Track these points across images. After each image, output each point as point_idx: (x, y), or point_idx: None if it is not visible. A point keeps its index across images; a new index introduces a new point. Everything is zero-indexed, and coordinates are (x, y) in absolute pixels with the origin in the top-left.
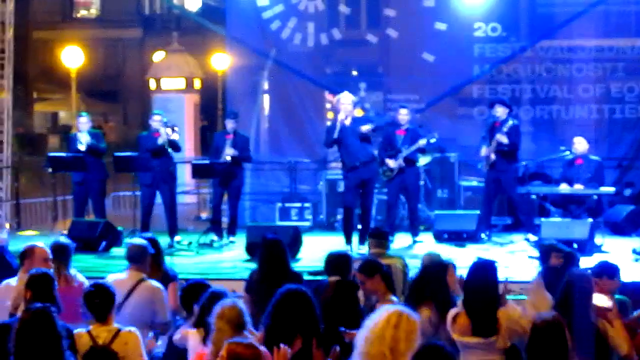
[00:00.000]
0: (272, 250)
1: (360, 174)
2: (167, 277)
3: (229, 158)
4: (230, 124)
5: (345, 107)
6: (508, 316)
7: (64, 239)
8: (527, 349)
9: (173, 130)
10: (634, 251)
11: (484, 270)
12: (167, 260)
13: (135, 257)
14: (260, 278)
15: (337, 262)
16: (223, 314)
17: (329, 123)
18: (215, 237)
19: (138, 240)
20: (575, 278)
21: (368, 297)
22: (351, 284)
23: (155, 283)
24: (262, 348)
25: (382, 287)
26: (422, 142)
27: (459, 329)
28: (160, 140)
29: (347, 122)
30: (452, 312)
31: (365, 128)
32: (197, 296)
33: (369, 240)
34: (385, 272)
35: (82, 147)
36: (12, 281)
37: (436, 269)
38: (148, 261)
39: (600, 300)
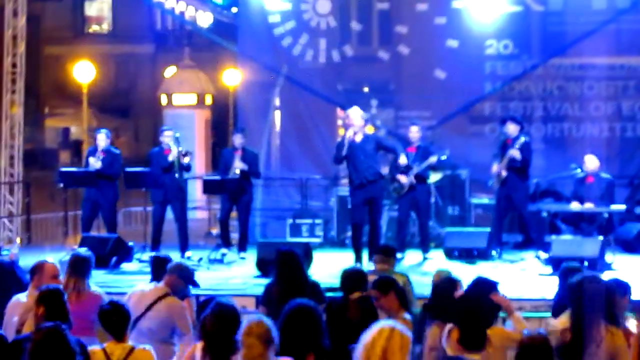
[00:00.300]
0: (288, 262)
1: (366, 191)
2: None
3: (238, 172)
4: (238, 140)
5: (353, 122)
6: (502, 333)
7: (84, 251)
8: None
9: (185, 155)
10: None
11: (481, 287)
12: None
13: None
14: (277, 291)
15: (355, 278)
16: (251, 330)
17: (339, 139)
18: (225, 250)
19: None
20: (586, 280)
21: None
22: (371, 300)
23: (176, 299)
24: None
25: (396, 305)
26: (433, 159)
27: (451, 344)
28: (170, 158)
29: (357, 138)
30: (447, 327)
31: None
32: None
33: (375, 257)
34: (400, 289)
35: (97, 165)
36: (22, 297)
37: (445, 286)
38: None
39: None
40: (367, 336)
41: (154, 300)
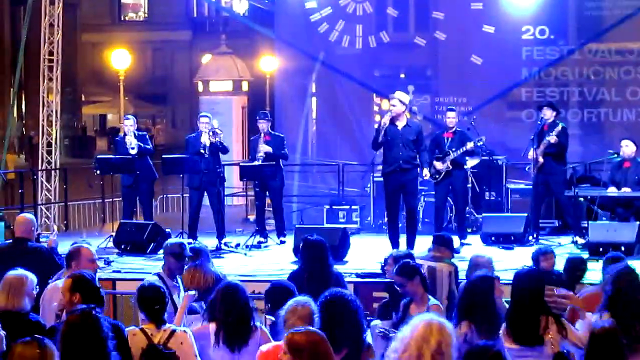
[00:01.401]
0: (313, 252)
1: (399, 178)
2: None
3: (262, 154)
4: (262, 124)
5: (394, 107)
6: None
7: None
8: (585, 356)
9: (214, 134)
10: None
11: (525, 279)
12: (216, 263)
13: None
14: (301, 279)
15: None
16: (295, 310)
17: (380, 124)
18: (262, 239)
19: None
20: (623, 273)
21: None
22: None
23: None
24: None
25: (421, 289)
26: (469, 145)
27: (506, 338)
28: (202, 140)
29: (399, 125)
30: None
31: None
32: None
33: (435, 246)
34: (424, 275)
35: (133, 151)
36: (60, 282)
37: (479, 286)
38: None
39: None
40: (414, 330)
41: None
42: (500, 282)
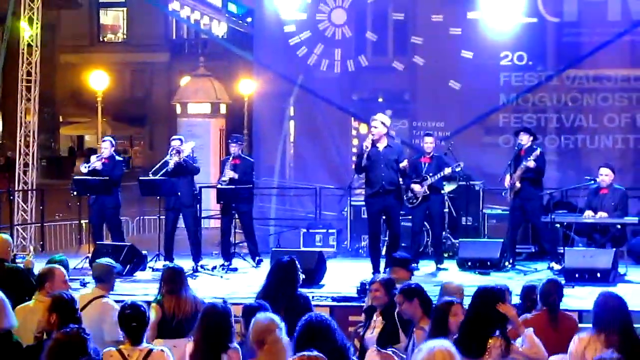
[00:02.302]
0: (286, 273)
1: (382, 200)
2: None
3: (226, 179)
4: (233, 148)
5: (375, 130)
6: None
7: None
8: None
9: (177, 152)
10: None
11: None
12: (192, 284)
13: (101, 276)
14: (269, 300)
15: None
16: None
17: (364, 147)
18: (225, 263)
19: (104, 260)
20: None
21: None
22: None
23: (110, 302)
24: None
25: (419, 312)
26: (447, 170)
27: None
28: (171, 163)
29: (380, 146)
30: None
31: (403, 165)
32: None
33: (392, 267)
34: (425, 298)
35: (84, 170)
36: (31, 303)
37: (439, 307)
38: (113, 280)
39: None
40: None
41: (88, 301)
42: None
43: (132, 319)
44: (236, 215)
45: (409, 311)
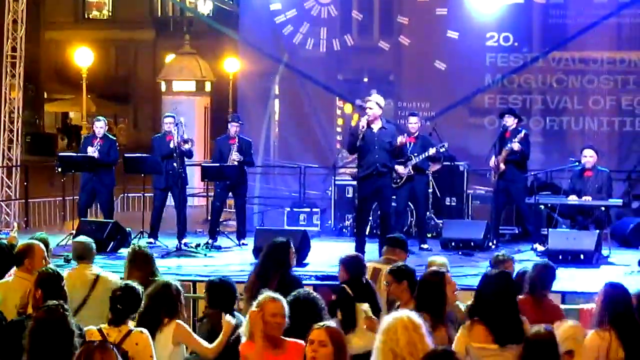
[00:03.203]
0: (278, 254)
1: (374, 182)
2: None
3: (235, 163)
4: (234, 128)
5: (371, 111)
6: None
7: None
8: None
9: (186, 142)
10: None
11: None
12: (175, 262)
13: (82, 254)
14: (261, 279)
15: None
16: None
17: (353, 125)
18: (210, 241)
19: (82, 238)
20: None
21: (391, 302)
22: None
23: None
24: None
25: (406, 295)
26: (431, 151)
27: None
28: (172, 144)
29: (375, 127)
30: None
31: (400, 141)
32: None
33: (389, 248)
34: (415, 282)
35: (94, 154)
36: (10, 279)
37: (431, 279)
38: (93, 257)
39: None
40: (385, 329)
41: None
42: (452, 279)
43: (119, 301)
44: (230, 194)
45: (396, 293)
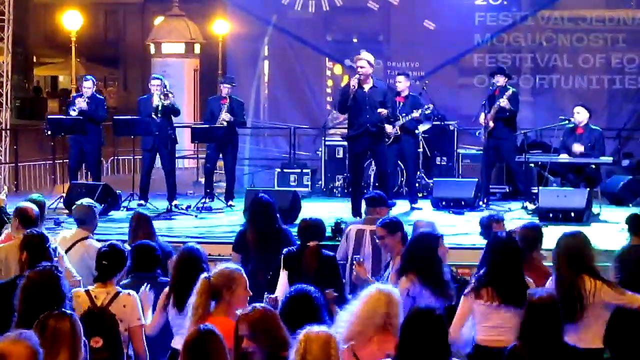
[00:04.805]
0: (261, 210)
1: (365, 142)
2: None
3: (225, 123)
4: (225, 89)
5: (362, 69)
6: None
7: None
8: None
9: (166, 97)
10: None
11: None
12: (166, 225)
13: (82, 218)
14: (250, 237)
15: (312, 228)
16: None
17: (344, 85)
18: (208, 200)
19: (86, 201)
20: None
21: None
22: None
23: (94, 242)
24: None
25: (399, 247)
26: (415, 114)
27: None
28: (154, 102)
29: (365, 87)
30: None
31: (382, 113)
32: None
33: (366, 208)
34: (406, 234)
35: (73, 113)
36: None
37: (423, 241)
38: (96, 221)
39: None
40: (364, 302)
41: (73, 243)
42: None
43: (104, 257)
44: (221, 155)
45: (390, 244)
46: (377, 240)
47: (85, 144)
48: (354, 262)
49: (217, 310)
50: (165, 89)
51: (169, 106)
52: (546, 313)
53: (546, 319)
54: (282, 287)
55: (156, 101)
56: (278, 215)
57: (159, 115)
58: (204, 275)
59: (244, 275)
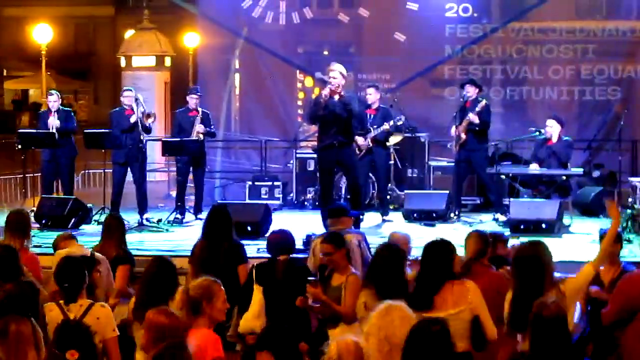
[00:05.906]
0: (217, 219)
1: (335, 154)
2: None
3: (201, 137)
4: (193, 100)
5: (333, 80)
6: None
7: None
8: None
9: (149, 116)
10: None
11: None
12: (137, 237)
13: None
14: (201, 248)
15: (282, 242)
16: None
17: (314, 96)
18: (179, 216)
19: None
20: None
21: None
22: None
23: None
24: None
25: (345, 261)
26: (386, 126)
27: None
28: (133, 119)
29: (336, 97)
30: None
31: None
32: None
33: (328, 220)
34: (347, 246)
35: (52, 130)
36: None
37: (386, 254)
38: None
39: None
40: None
41: None
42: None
43: (64, 279)
44: (191, 168)
45: (337, 260)
46: (321, 256)
47: (60, 158)
48: (307, 284)
49: (197, 323)
50: (146, 110)
51: (147, 125)
52: (554, 326)
53: (554, 332)
54: (259, 302)
55: (135, 118)
56: (233, 228)
57: (136, 133)
58: (182, 288)
59: (222, 287)
